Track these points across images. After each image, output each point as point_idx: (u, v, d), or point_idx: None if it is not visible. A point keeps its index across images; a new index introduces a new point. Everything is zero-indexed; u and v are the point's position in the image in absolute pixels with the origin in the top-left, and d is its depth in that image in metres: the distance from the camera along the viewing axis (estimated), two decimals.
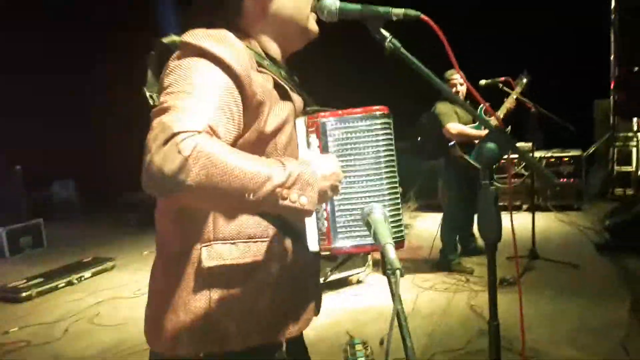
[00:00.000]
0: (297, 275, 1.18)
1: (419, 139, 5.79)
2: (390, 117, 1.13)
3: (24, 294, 4.59)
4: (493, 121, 3.70)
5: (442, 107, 4.39)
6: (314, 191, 0.99)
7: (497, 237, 1.19)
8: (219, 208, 1.06)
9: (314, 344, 3.30)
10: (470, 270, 4.43)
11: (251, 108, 1.04)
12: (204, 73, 0.97)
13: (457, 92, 4.41)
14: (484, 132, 4.26)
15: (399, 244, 1.11)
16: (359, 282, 4.38)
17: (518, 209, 6.35)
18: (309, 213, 0.99)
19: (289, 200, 0.95)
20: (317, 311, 1.33)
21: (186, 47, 1.02)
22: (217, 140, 0.89)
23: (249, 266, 1.10)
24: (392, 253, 0.88)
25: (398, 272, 0.84)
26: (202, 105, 0.92)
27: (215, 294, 1.08)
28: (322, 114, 1.13)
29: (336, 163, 1.07)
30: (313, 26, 1.21)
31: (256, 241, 1.11)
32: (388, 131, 1.11)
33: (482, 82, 4.31)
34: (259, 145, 1.08)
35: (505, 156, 1.15)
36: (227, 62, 0.99)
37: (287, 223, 1.14)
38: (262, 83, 1.07)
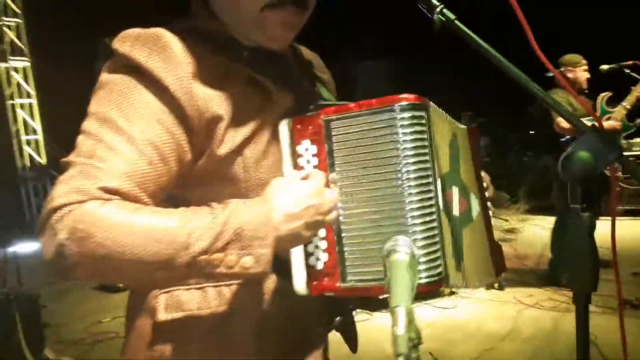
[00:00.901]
0: (291, 321, 0.93)
1: (530, 132, 5.19)
2: (424, 109, 0.82)
3: (120, 284, 4.80)
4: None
5: (553, 97, 3.81)
6: (267, 244, 0.74)
7: (591, 286, 0.83)
8: (137, 284, 0.88)
9: None
10: None
11: (200, 128, 0.81)
12: (127, 99, 0.78)
13: (574, 81, 3.84)
14: (603, 122, 3.64)
15: (434, 284, 0.81)
16: (452, 293, 3.97)
17: None
18: (261, 275, 0.75)
19: (224, 266, 0.72)
20: (353, 350, 1.09)
21: (113, 55, 0.82)
22: (108, 209, 0.70)
23: (221, 316, 0.86)
24: (401, 324, 0.58)
25: (401, 358, 0.54)
26: (107, 155, 0.74)
27: (178, 353, 0.86)
28: (326, 109, 0.84)
29: (318, 187, 0.80)
30: (272, 26, 0.87)
31: (230, 284, 0.86)
32: (420, 128, 0.81)
33: (604, 67, 3.71)
34: (221, 168, 0.84)
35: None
36: (158, 77, 0.78)
37: (275, 257, 0.86)
38: (212, 93, 0.82)
